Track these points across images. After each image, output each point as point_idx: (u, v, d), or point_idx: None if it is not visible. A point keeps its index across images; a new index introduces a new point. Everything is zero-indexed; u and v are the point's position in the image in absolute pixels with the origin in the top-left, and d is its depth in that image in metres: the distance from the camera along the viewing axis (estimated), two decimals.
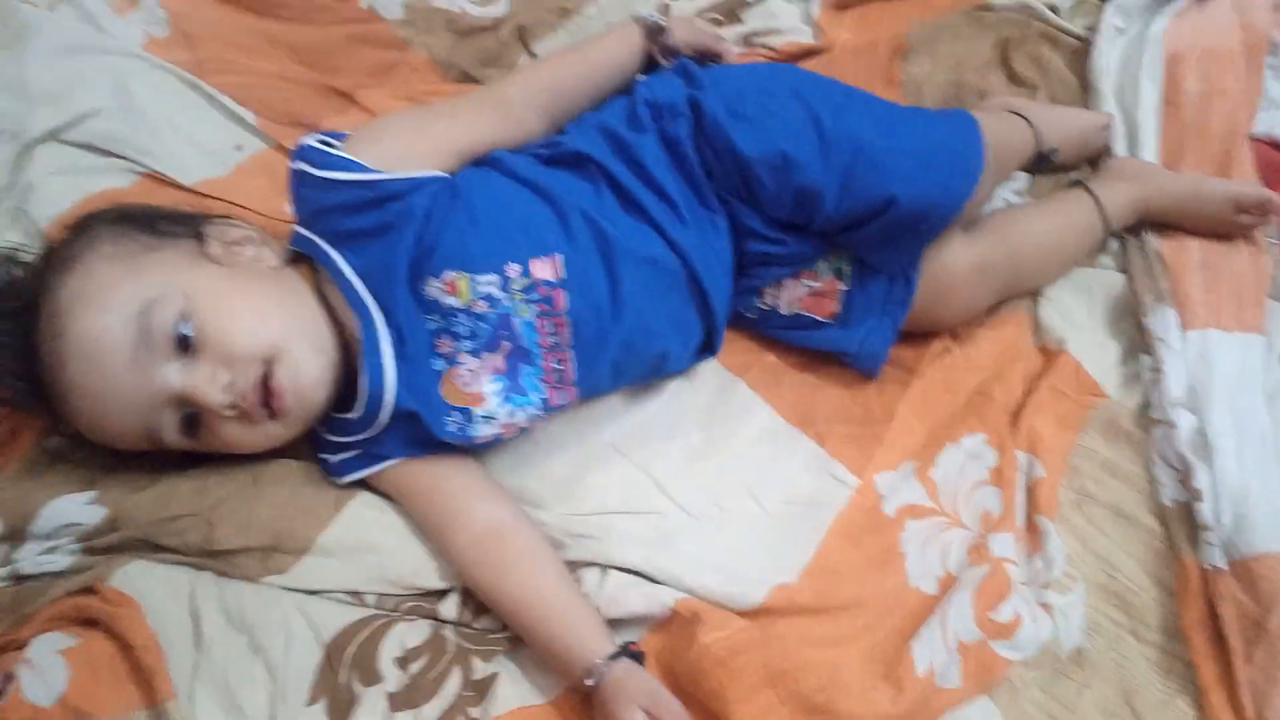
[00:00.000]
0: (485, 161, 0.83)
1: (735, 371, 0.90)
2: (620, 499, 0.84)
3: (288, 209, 0.94)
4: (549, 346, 0.80)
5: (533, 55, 1.10)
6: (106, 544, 0.80)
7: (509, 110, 0.87)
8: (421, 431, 0.79)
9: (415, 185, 0.76)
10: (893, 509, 0.82)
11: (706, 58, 0.96)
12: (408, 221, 0.75)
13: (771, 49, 1.09)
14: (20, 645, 0.76)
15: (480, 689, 0.75)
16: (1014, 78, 1.03)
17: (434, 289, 0.76)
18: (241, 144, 1.04)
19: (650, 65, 0.94)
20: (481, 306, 0.77)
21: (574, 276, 0.78)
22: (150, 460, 0.84)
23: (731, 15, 1.12)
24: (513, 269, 0.77)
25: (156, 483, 0.83)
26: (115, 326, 0.73)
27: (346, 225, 0.76)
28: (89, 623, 0.76)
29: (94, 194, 0.97)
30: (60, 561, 0.80)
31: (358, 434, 0.80)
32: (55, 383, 0.75)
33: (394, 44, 1.10)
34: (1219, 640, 0.74)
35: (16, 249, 0.82)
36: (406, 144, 0.79)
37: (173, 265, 0.77)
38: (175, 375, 0.74)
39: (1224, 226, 0.92)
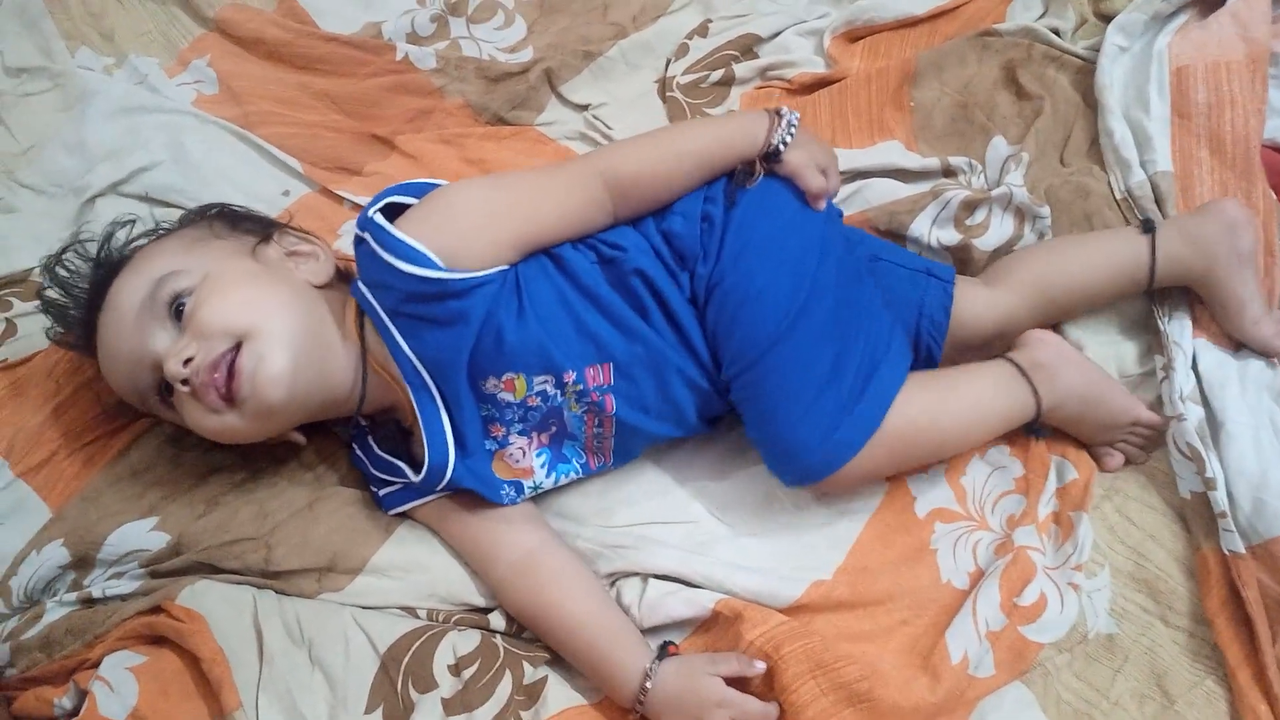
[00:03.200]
0: (549, 256, 0.81)
1: None
2: (655, 510, 0.87)
3: (335, 245, 1.00)
4: (594, 435, 0.84)
5: (560, 97, 1.15)
6: (170, 568, 0.84)
7: (593, 204, 0.81)
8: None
9: (477, 284, 0.76)
10: (924, 511, 0.85)
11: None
12: (468, 321, 0.77)
13: (787, 81, 1.12)
14: (93, 664, 0.80)
15: (531, 692, 0.77)
16: (1021, 94, 1.05)
17: (491, 386, 0.80)
18: (289, 189, 1.10)
19: None
20: (535, 401, 0.81)
21: (623, 384, 0.81)
22: (208, 487, 0.89)
23: (747, 51, 1.16)
24: (569, 375, 0.79)
25: (216, 509, 0.87)
26: (138, 286, 0.80)
27: (405, 309, 0.78)
28: (157, 640, 0.80)
29: None
30: (127, 586, 0.84)
31: (413, 487, 0.83)
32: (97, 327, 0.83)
33: (430, 91, 1.15)
34: (1243, 623, 0.76)
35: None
36: (477, 235, 0.78)
37: (218, 253, 0.83)
38: (159, 340, 0.79)
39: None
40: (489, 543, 0.83)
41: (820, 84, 1.11)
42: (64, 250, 0.89)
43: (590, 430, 0.83)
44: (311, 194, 1.10)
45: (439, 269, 0.75)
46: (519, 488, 0.84)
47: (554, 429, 0.83)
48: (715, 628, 0.79)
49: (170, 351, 0.77)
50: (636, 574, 0.82)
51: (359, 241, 0.79)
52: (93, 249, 0.89)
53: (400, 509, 0.85)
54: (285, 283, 0.83)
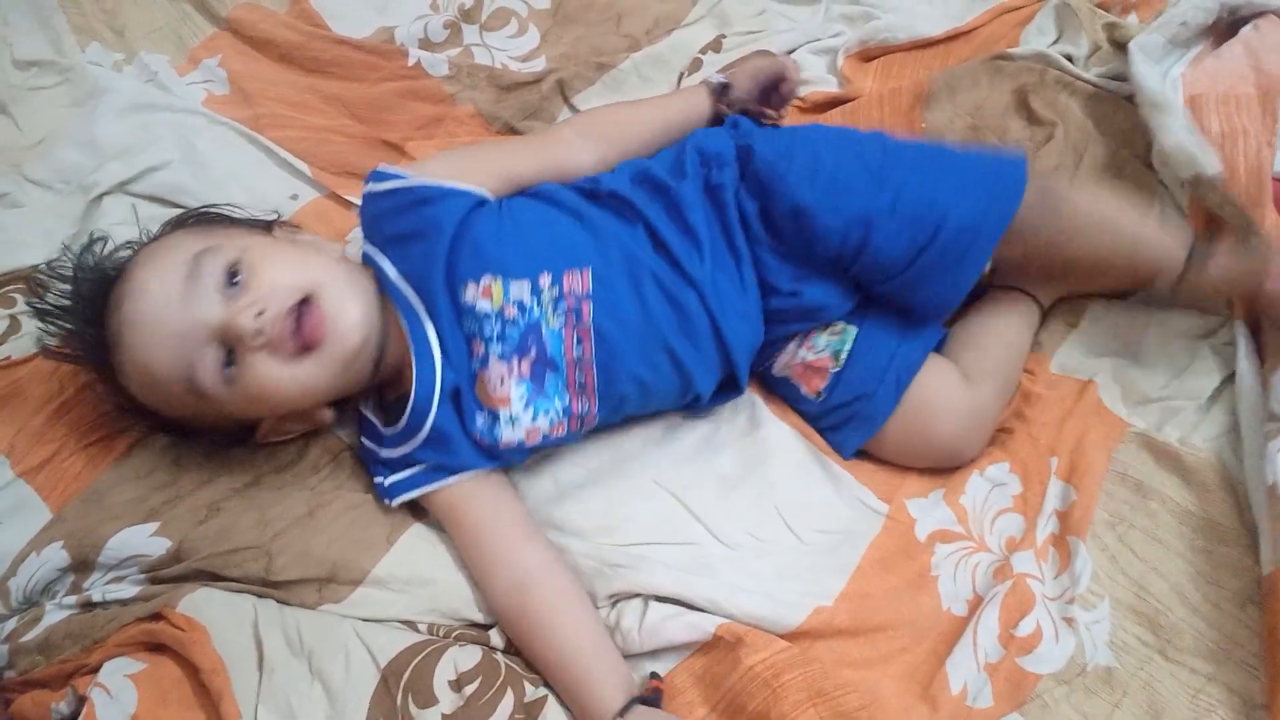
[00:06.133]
0: (530, 192, 0.89)
1: (765, 403, 0.93)
2: (657, 530, 0.86)
3: (344, 252, 0.99)
4: (574, 360, 0.84)
5: (573, 108, 1.15)
6: (171, 574, 0.83)
7: (561, 142, 0.93)
8: (457, 444, 0.83)
9: (447, 192, 0.83)
10: (924, 534, 0.85)
11: (771, 100, 1.04)
12: (440, 227, 0.81)
13: (800, 99, 1.12)
14: (92, 669, 0.79)
15: (531, 711, 0.77)
16: (1033, 119, 1.05)
17: (470, 294, 0.81)
18: (297, 193, 1.09)
19: (714, 122, 0.99)
20: (512, 312, 0.82)
21: (601, 291, 0.83)
22: (210, 491, 0.89)
23: None
24: (545, 279, 0.82)
25: (217, 515, 0.87)
26: (171, 267, 0.80)
27: (391, 229, 0.84)
28: (156, 648, 0.80)
29: None
30: (127, 590, 0.84)
31: (406, 440, 0.84)
32: (111, 326, 0.81)
33: (441, 98, 1.15)
34: None
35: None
36: (456, 166, 0.87)
37: (239, 234, 0.86)
38: (217, 306, 0.78)
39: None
40: (492, 552, 0.83)
41: (833, 103, 1.11)
42: (50, 275, 0.87)
43: (570, 353, 0.83)
44: (320, 198, 1.09)
45: (413, 179, 0.84)
46: (495, 416, 0.83)
47: (533, 351, 0.83)
48: (715, 650, 0.78)
49: (238, 308, 0.77)
50: (638, 595, 0.81)
51: (364, 197, 0.87)
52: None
53: (406, 496, 0.85)
54: (321, 252, 0.87)
